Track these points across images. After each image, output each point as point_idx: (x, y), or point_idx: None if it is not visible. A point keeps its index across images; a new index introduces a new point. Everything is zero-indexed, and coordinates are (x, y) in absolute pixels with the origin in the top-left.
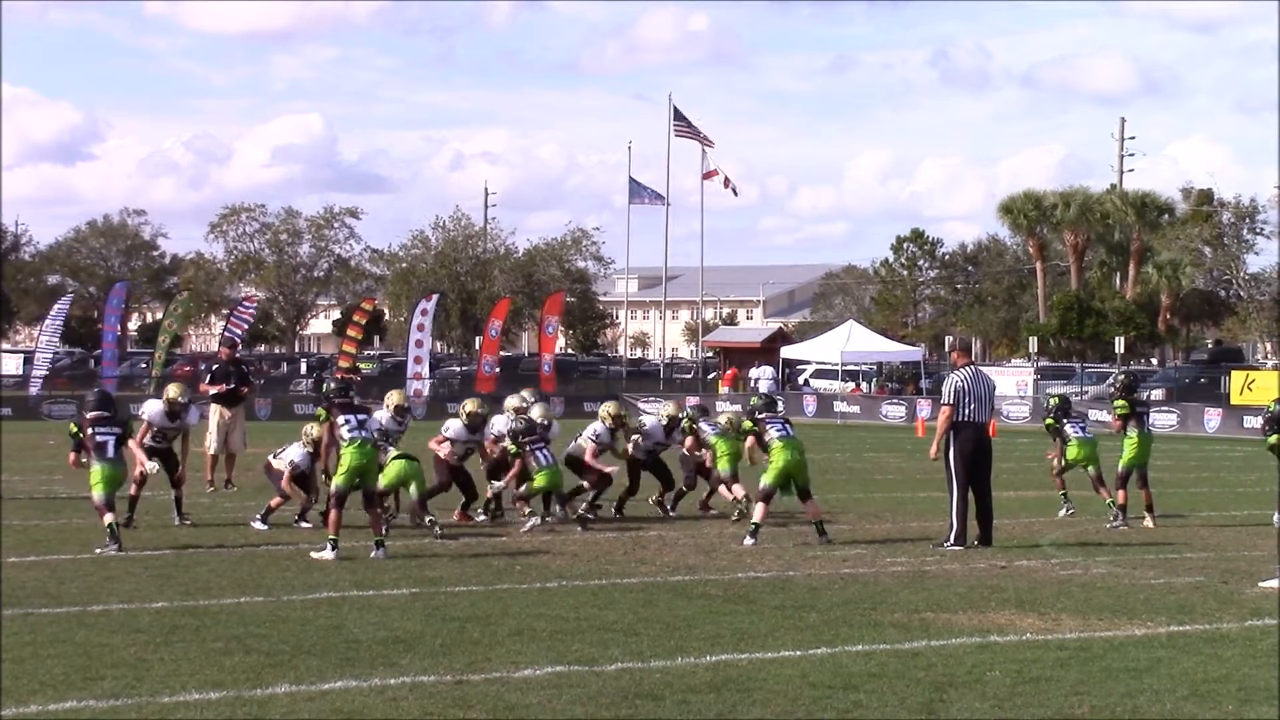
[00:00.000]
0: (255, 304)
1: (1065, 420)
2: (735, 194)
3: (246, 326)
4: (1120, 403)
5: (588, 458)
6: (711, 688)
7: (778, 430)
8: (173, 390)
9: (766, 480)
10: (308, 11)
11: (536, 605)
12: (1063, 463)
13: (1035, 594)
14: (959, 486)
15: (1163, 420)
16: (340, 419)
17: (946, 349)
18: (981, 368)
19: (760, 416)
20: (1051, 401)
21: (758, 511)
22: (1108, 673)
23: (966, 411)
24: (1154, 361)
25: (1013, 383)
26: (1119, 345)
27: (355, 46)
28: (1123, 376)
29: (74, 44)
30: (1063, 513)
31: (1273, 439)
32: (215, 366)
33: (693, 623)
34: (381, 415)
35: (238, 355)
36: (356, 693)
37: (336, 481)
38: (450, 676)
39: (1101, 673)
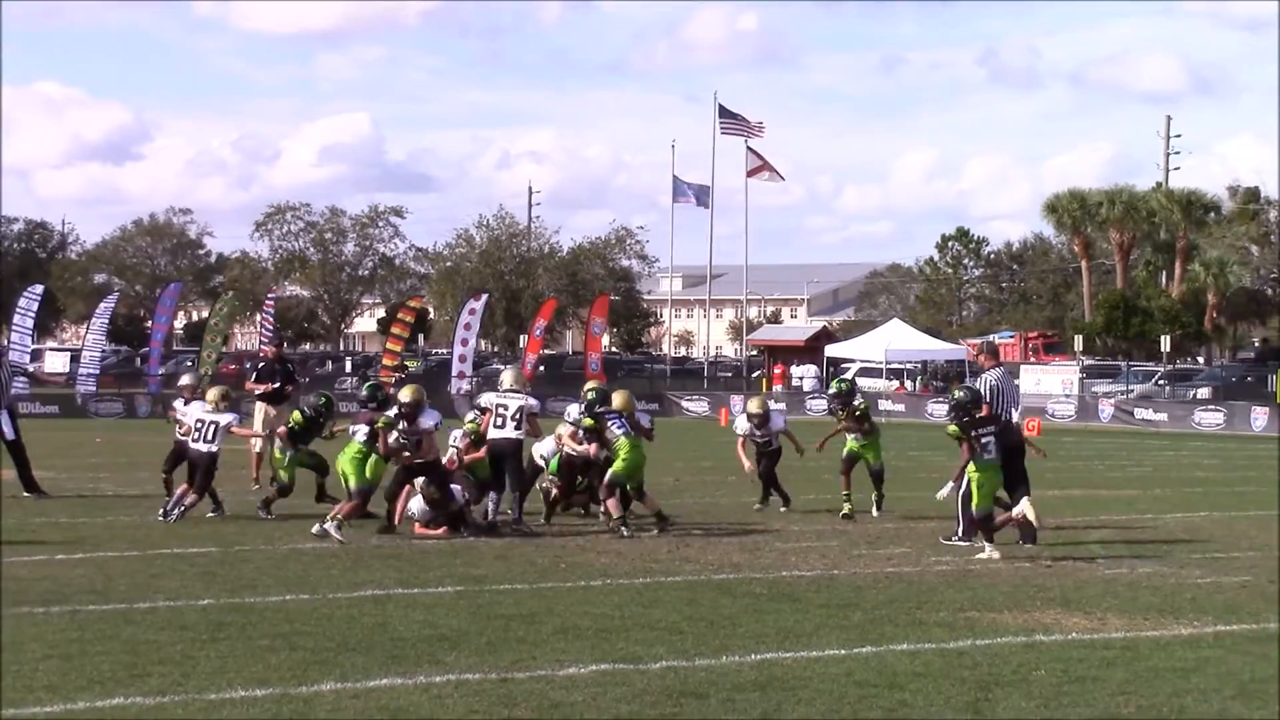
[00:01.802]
0: (276, 295)
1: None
2: (782, 177)
3: (272, 320)
4: (953, 428)
5: (567, 440)
6: (757, 686)
7: (620, 427)
8: (214, 394)
9: (615, 473)
10: (359, 12)
11: (581, 603)
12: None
13: (1081, 593)
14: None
15: (1209, 419)
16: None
17: (975, 353)
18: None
19: (599, 411)
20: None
21: (612, 505)
22: (1154, 672)
23: (1001, 412)
24: (1200, 360)
25: (1058, 381)
26: (1165, 344)
27: (402, 46)
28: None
29: (123, 44)
30: None
31: (952, 428)
32: (261, 365)
33: (737, 621)
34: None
35: (283, 353)
36: (401, 690)
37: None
38: (495, 674)
39: (1148, 672)
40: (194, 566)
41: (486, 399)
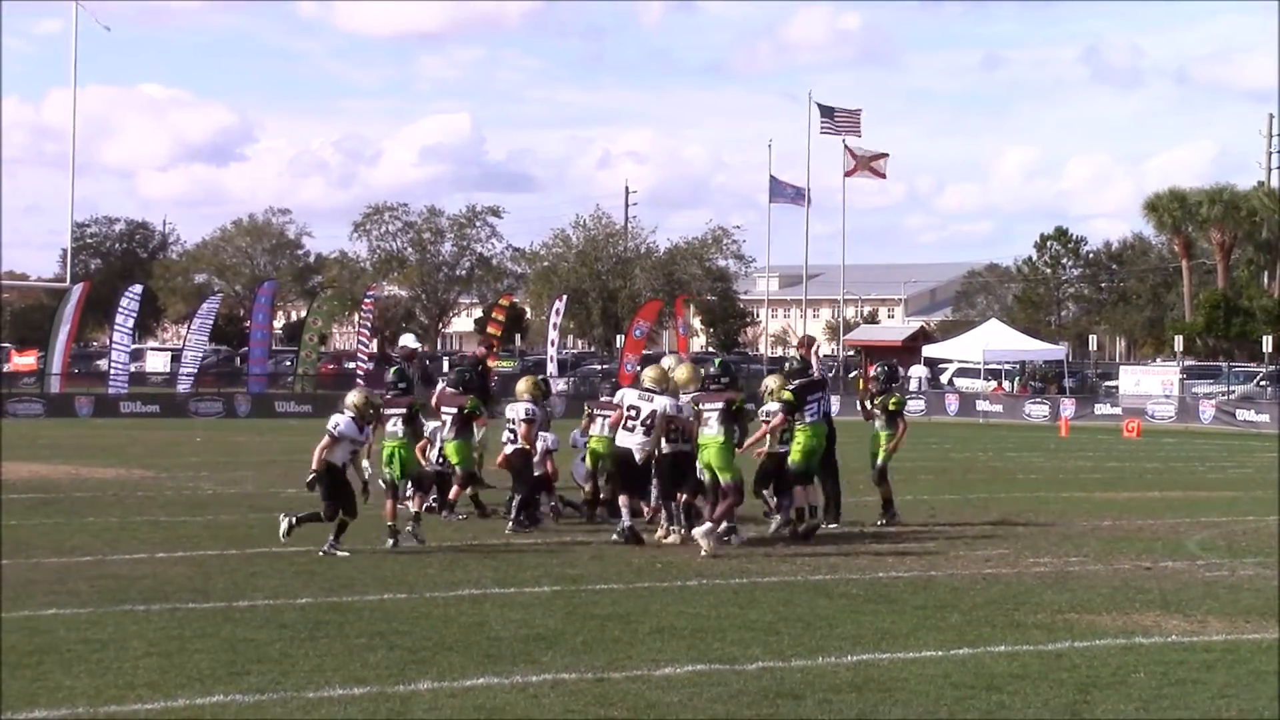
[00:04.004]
0: (375, 294)
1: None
2: (883, 175)
3: (371, 320)
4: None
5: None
6: (853, 687)
7: (811, 414)
8: (356, 397)
9: (794, 462)
10: (460, 13)
11: (677, 603)
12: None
13: (1181, 595)
14: None
15: None
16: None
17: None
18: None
19: (797, 384)
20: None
21: (804, 496)
22: (1256, 675)
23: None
24: None
25: (1158, 382)
26: (1266, 344)
27: (501, 47)
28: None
29: (227, 46)
30: None
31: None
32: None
33: (834, 622)
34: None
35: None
36: (498, 689)
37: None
38: (591, 674)
39: (1249, 675)
40: (292, 565)
41: (625, 396)
